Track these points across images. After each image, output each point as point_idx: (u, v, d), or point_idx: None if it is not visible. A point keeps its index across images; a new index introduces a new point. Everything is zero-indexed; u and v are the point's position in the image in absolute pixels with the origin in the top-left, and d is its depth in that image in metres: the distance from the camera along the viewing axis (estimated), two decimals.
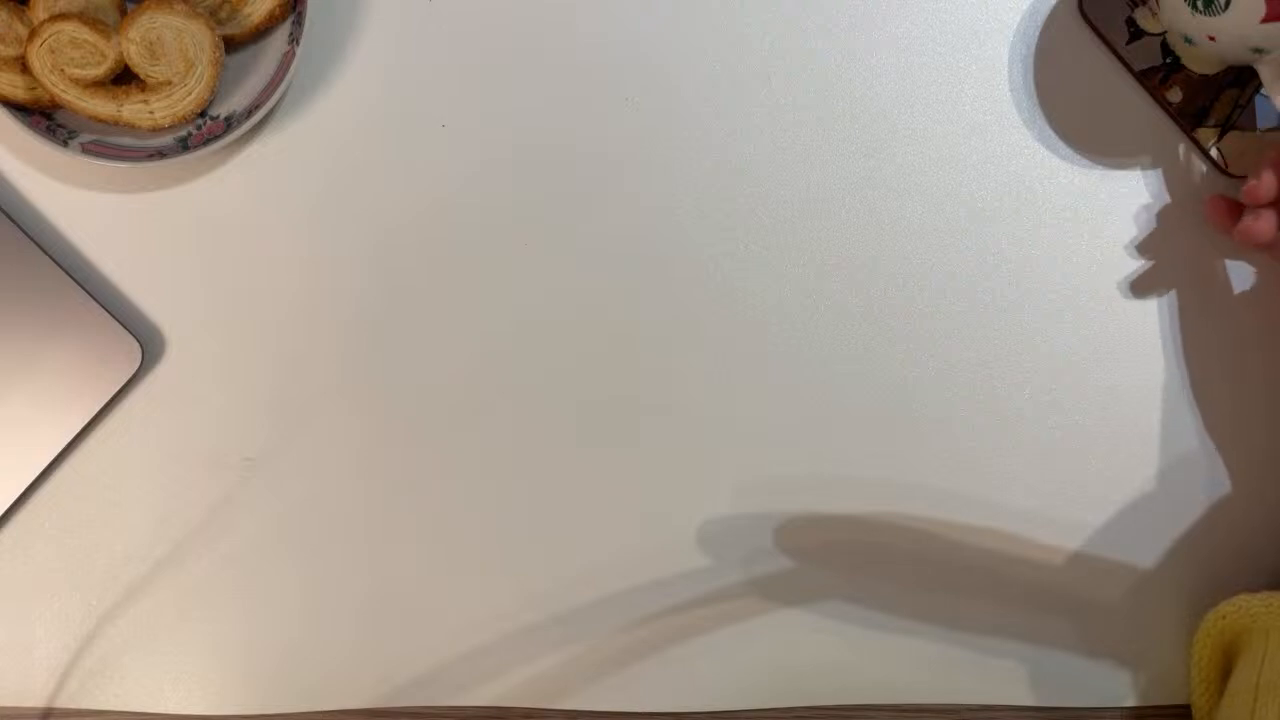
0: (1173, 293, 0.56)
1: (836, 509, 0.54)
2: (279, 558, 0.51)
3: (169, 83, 0.49)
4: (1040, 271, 0.55)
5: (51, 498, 0.50)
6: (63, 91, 0.48)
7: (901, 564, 0.54)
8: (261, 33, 0.51)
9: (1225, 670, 0.51)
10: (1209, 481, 0.55)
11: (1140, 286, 0.56)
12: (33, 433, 0.49)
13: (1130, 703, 0.54)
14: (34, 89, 0.49)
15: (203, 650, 0.51)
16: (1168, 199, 0.56)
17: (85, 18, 0.48)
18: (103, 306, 0.50)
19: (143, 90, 0.49)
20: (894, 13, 0.56)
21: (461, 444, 0.52)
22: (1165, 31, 0.56)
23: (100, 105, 0.49)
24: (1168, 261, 0.56)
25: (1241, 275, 0.56)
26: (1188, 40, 0.53)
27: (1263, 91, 0.54)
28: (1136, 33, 0.56)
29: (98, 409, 0.50)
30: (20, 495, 0.50)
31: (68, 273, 0.50)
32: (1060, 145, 0.56)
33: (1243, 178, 0.56)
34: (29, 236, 0.50)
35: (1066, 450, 0.55)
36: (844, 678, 0.54)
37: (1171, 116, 0.56)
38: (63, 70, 0.48)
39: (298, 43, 0.50)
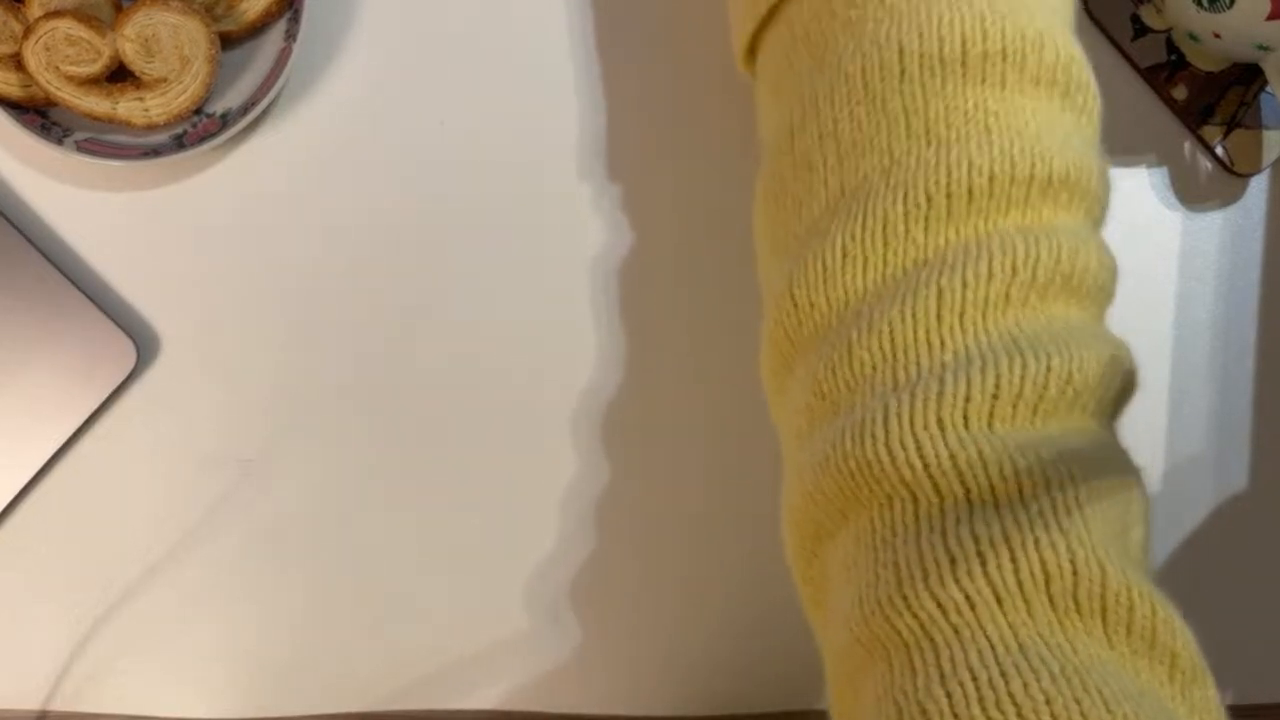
0: (1177, 290, 0.55)
1: None
2: (276, 560, 0.51)
3: (164, 80, 0.49)
4: None
5: (46, 500, 0.50)
6: (57, 89, 0.48)
7: None
8: (258, 29, 0.51)
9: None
10: (1215, 483, 0.55)
11: (1143, 284, 0.55)
12: (25, 435, 0.49)
13: None
14: (28, 86, 0.49)
15: (200, 653, 0.50)
16: (1172, 197, 0.56)
17: (80, 14, 0.48)
18: (97, 306, 0.49)
19: (138, 87, 0.49)
20: None
21: (462, 443, 0.52)
22: (1170, 28, 0.55)
23: (95, 102, 0.49)
24: (1172, 259, 0.55)
25: (1246, 273, 0.56)
26: (1193, 37, 0.53)
27: (1268, 89, 0.54)
28: (1141, 29, 0.55)
29: (92, 410, 0.49)
30: (14, 498, 0.49)
31: (62, 272, 0.49)
32: None
33: (1249, 176, 0.56)
34: (23, 235, 0.49)
35: None
36: None
37: (1176, 114, 0.56)
38: (57, 68, 0.48)
39: (294, 39, 0.50)
